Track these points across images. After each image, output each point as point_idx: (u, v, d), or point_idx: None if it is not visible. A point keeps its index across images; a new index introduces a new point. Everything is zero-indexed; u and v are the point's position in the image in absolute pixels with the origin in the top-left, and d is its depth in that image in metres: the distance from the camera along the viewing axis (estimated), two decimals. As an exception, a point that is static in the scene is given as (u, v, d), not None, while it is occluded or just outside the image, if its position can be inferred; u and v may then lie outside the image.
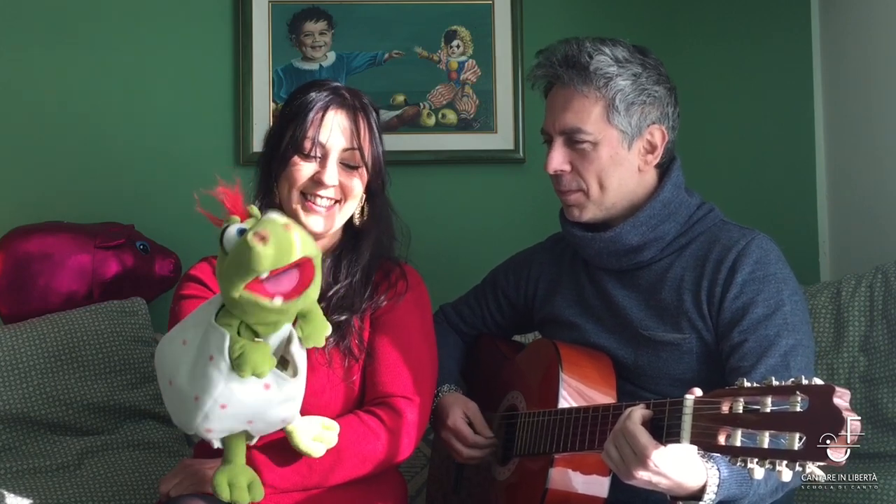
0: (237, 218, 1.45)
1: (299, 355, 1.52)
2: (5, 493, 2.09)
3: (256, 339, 1.46)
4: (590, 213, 1.85)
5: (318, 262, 1.43)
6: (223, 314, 1.46)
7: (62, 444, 2.23)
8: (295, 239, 1.38)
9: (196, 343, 1.47)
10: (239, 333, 1.44)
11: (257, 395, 1.47)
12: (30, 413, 2.20)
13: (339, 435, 1.71)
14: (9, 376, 2.20)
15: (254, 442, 1.60)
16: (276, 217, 1.42)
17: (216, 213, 1.48)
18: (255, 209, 1.47)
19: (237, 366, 1.42)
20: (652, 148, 1.84)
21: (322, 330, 1.53)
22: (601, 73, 1.79)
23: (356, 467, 1.75)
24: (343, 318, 1.81)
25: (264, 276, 1.37)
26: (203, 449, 1.85)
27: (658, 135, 1.84)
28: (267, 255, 1.35)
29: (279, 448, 1.67)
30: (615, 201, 1.84)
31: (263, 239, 1.35)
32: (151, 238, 2.47)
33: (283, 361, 1.52)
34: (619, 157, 1.82)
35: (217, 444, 1.57)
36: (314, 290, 1.43)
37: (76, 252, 2.36)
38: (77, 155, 2.61)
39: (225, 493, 1.54)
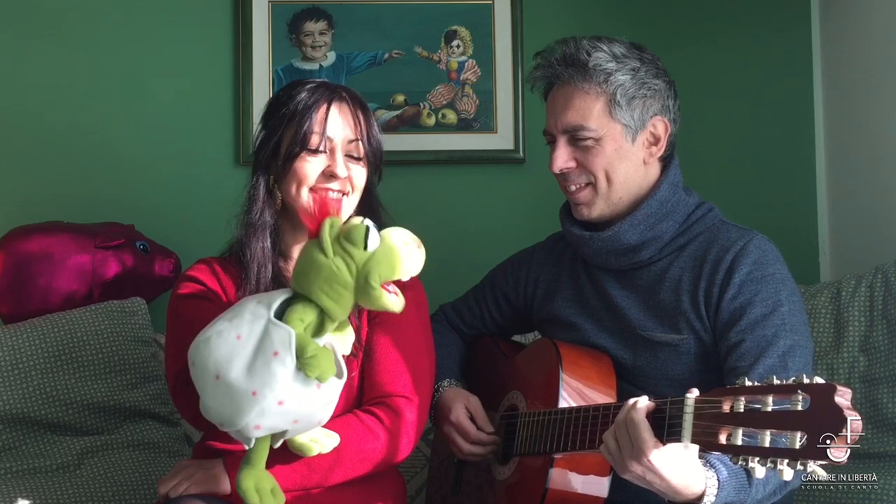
0: (339, 219, 1.58)
1: (342, 359, 1.58)
2: (5, 493, 2.09)
3: (324, 346, 1.53)
4: (598, 210, 1.86)
5: None
6: (296, 309, 1.53)
7: (62, 444, 2.23)
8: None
9: (254, 339, 1.50)
10: (305, 331, 1.52)
11: (312, 394, 1.51)
12: (30, 413, 2.20)
13: (339, 435, 1.71)
14: (9, 376, 2.20)
15: (277, 445, 1.61)
16: (400, 228, 1.61)
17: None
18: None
19: (307, 365, 1.47)
20: (655, 140, 1.85)
21: (352, 339, 1.64)
22: (600, 70, 1.80)
23: (356, 467, 1.75)
24: None
25: (405, 279, 1.56)
26: (202, 449, 1.86)
27: (661, 126, 1.84)
28: (418, 262, 1.59)
29: (278, 448, 1.67)
30: (622, 195, 1.84)
31: (419, 247, 1.59)
32: (151, 238, 2.47)
33: None
34: (623, 150, 1.82)
35: (252, 444, 1.57)
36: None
37: (76, 252, 2.36)
38: (77, 155, 2.61)
39: (255, 500, 1.56)
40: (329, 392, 1.54)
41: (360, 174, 1.84)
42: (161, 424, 2.33)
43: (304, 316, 1.52)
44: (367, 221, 1.55)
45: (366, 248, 1.52)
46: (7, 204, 2.57)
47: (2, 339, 2.22)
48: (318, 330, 1.54)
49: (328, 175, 1.81)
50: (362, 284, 1.52)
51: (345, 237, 1.53)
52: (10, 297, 2.35)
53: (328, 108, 1.81)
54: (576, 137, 1.82)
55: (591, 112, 1.81)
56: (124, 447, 2.28)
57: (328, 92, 1.84)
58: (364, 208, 1.89)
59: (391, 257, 1.53)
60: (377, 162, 1.88)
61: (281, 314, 1.54)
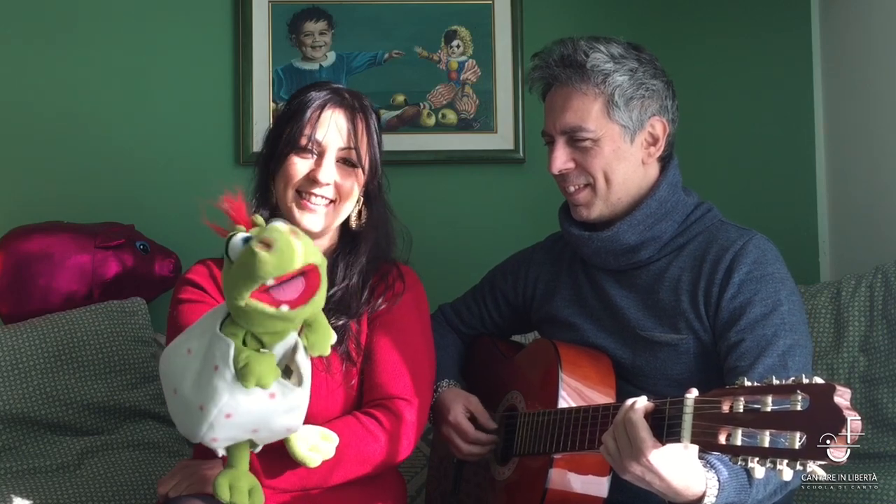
0: (242, 227, 1.45)
1: (304, 364, 1.52)
2: (5, 493, 2.09)
3: (262, 350, 1.45)
4: (597, 211, 1.86)
5: (323, 271, 1.42)
6: (229, 323, 1.45)
7: (62, 444, 2.23)
8: (297, 246, 1.38)
9: (201, 353, 1.46)
10: (244, 343, 1.44)
11: (262, 405, 1.46)
12: (30, 413, 2.20)
13: (340, 437, 1.70)
14: (9, 376, 2.20)
15: (258, 450, 1.59)
16: (280, 225, 1.42)
17: (217, 212, 1.48)
18: (259, 218, 1.47)
19: (242, 376, 1.42)
20: (654, 140, 1.85)
21: (327, 339, 1.53)
22: (598, 70, 1.80)
23: (355, 468, 1.75)
24: (340, 322, 1.81)
25: (269, 282, 1.37)
26: (202, 449, 1.85)
27: (659, 127, 1.84)
28: (270, 262, 1.35)
29: (279, 449, 1.67)
30: (621, 196, 1.84)
31: (267, 246, 1.36)
32: (151, 238, 2.47)
33: (288, 370, 1.52)
34: (621, 151, 1.82)
35: (222, 452, 1.56)
36: (320, 298, 1.43)
37: (76, 252, 2.36)
38: (77, 155, 2.61)
39: (225, 495, 1.53)
40: (287, 400, 1.48)
41: (350, 182, 1.84)
42: (161, 424, 2.33)
43: (237, 330, 1.44)
44: (239, 234, 1.42)
45: (230, 260, 1.42)
46: (7, 204, 2.57)
47: (2, 339, 2.22)
48: (261, 343, 1.46)
49: (311, 179, 1.81)
50: (228, 301, 1.42)
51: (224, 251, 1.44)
52: (10, 297, 2.35)
53: (321, 112, 1.81)
54: (574, 138, 1.82)
55: (589, 113, 1.81)
56: (124, 447, 2.28)
57: (328, 95, 1.83)
58: (371, 217, 1.89)
59: (237, 267, 1.39)
60: (375, 172, 1.87)
61: None
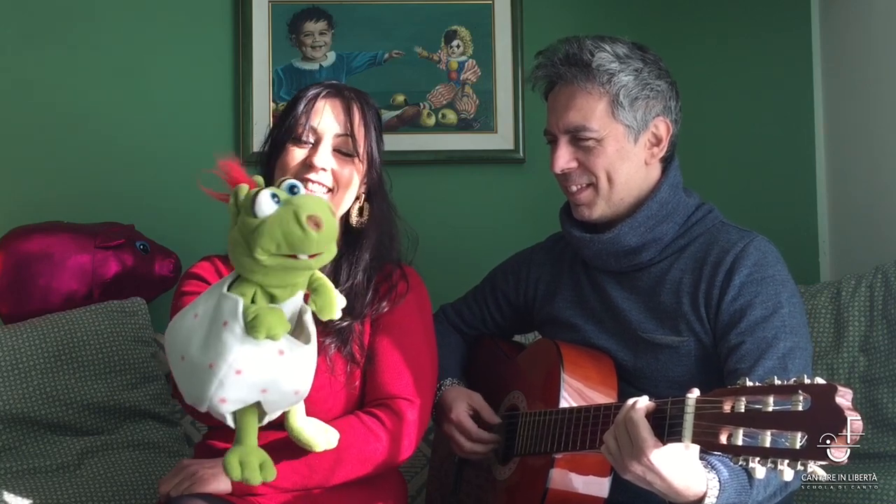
0: (245, 186, 1.46)
1: (311, 326, 1.53)
2: (5, 493, 2.09)
3: (271, 305, 1.46)
4: (599, 211, 1.85)
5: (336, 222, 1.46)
6: (237, 285, 1.47)
7: (62, 444, 2.23)
8: (337, 225, 1.43)
9: (209, 314, 1.47)
10: (253, 302, 1.45)
11: (272, 361, 1.46)
12: (30, 413, 2.20)
13: (341, 437, 1.70)
14: (9, 376, 2.19)
15: (265, 421, 1.58)
16: (316, 197, 1.45)
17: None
18: (259, 178, 1.49)
19: (252, 327, 1.42)
20: (657, 140, 1.85)
21: (334, 301, 1.53)
22: (604, 70, 1.80)
23: (357, 468, 1.75)
24: (345, 323, 1.80)
25: (304, 258, 1.40)
26: (203, 449, 1.86)
27: (663, 127, 1.84)
28: (317, 242, 1.39)
29: (280, 448, 1.67)
30: (623, 196, 1.84)
31: (318, 225, 1.38)
32: (151, 238, 2.47)
33: (296, 333, 1.53)
34: (625, 151, 1.82)
35: (230, 421, 1.54)
36: (333, 247, 1.45)
37: (76, 252, 2.35)
38: (77, 155, 2.61)
39: (236, 472, 1.50)
40: (297, 358, 1.48)
41: (348, 171, 1.84)
42: (161, 424, 2.33)
43: (245, 290, 1.45)
44: (266, 189, 1.44)
45: (254, 215, 1.42)
46: (7, 204, 2.57)
47: (2, 339, 2.22)
48: (272, 300, 1.47)
49: (308, 165, 1.81)
50: (250, 255, 1.42)
51: (242, 206, 1.46)
52: (10, 297, 2.35)
53: (315, 101, 1.83)
54: (577, 138, 1.82)
55: (593, 112, 1.81)
56: (124, 447, 2.27)
57: (325, 88, 1.86)
58: (373, 214, 1.89)
59: (274, 230, 1.40)
60: (373, 163, 1.87)
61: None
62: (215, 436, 1.82)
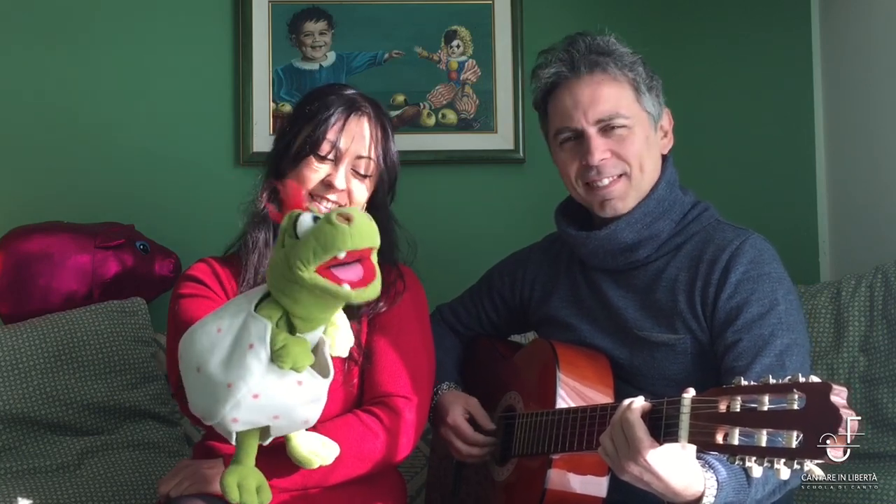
0: (299, 211, 1.47)
1: (329, 360, 1.54)
2: (5, 493, 2.09)
3: (298, 336, 1.47)
4: (631, 203, 1.82)
5: (376, 260, 1.45)
6: (265, 305, 1.47)
7: (62, 444, 2.23)
8: (374, 225, 1.42)
9: (233, 332, 1.47)
10: (277, 325, 1.46)
11: (290, 391, 1.47)
12: (30, 413, 2.20)
13: (339, 435, 1.71)
14: (9, 376, 2.20)
15: (267, 442, 1.59)
16: (352, 208, 1.47)
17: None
18: (315, 208, 1.52)
19: (279, 356, 1.43)
20: (665, 133, 1.86)
21: (348, 341, 1.56)
22: (626, 57, 1.82)
23: (355, 467, 1.75)
24: None
25: (341, 255, 1.39)
26: (202, 449, 1.86)
27: (667, 119, 1.86)
28: (350, 235, 1.38)
29: (279, 448, 1.67)
30: (645, 188, 1.83)
31: (348, 220, 1.39)
32: (151, 238, 2.47)
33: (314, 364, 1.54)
34: (651, 139, 1.83)
35: (234, 440, 1.56)
36: (377, 284, 1.44)
37: (76, 252, 2.36)
38: (77, 155, 2.61)
39: (234, 495, 1.53)
40: (312, 389, 1.50)
41: (361, 190, 1.85)
42: (161, 424, 2.33)
43: (272, 313, 1.47)
44: (307, 213, 1.45)
45: (296, 236, 1.43)
46: (7, 204, 2.57)
47: (2, 339, 2.23)
48: (291, 329, 1.48)
49: (326, 184, 1.82)
50: (289, 273, 1.43)
51: (285, 229, 1.47)
52: (10, 297, 2.35)
53: (346, 120, 1.82)
54: (610, 126, 1.80)
55: (622, 98, 1.80)
56: (124, 447, 2.28)
57: (353, 103, 1.85)
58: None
59: (308, 238, 1.41)
60: (390, 181, 1.89)
61: None
62: (215, 436, 1.81)
